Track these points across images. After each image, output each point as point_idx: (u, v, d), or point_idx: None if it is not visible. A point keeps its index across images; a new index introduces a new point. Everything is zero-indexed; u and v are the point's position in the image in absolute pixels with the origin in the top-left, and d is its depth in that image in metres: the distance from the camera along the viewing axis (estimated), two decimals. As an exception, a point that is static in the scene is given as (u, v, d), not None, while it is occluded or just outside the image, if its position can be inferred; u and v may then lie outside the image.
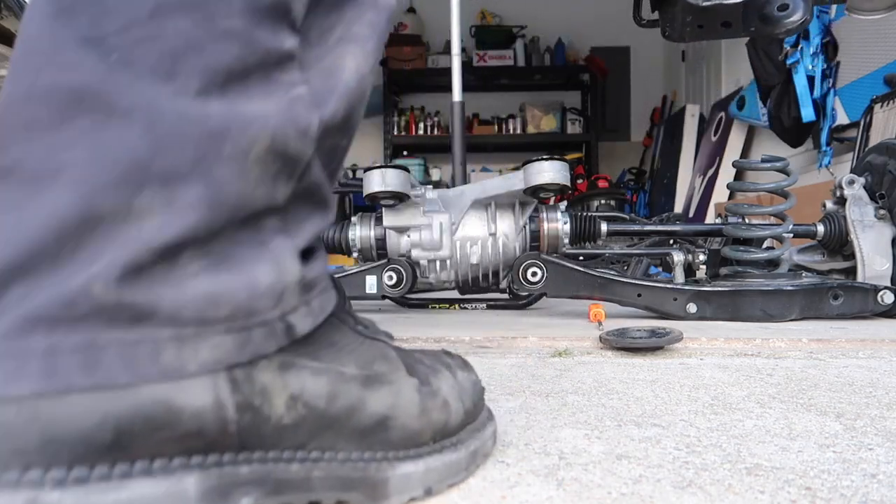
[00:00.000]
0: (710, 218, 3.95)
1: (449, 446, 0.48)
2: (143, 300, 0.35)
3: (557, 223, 1.68)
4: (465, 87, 2.34)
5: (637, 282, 1.53)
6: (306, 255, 0.43)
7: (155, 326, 0.35)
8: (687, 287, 1.51)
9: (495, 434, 0.56)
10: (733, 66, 4.43)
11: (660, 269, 2.28)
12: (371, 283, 1.66)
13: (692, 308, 1.49)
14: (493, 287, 1.72)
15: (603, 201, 4.66)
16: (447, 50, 4.60)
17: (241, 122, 0.37)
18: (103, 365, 0.34)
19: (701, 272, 1.62)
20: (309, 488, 0.41)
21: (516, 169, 1.64)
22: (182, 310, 0.36)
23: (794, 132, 3.43)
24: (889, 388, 0.81)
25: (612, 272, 1.60)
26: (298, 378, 0.41)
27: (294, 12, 0.41)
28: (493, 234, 1.64)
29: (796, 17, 1.65)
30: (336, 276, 1.74)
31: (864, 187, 1.68)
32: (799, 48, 3.26)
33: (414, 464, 0.45)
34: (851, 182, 1.68)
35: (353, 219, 1.71)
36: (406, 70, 5.61)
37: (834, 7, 3.21)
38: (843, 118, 3.18)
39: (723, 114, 4.32)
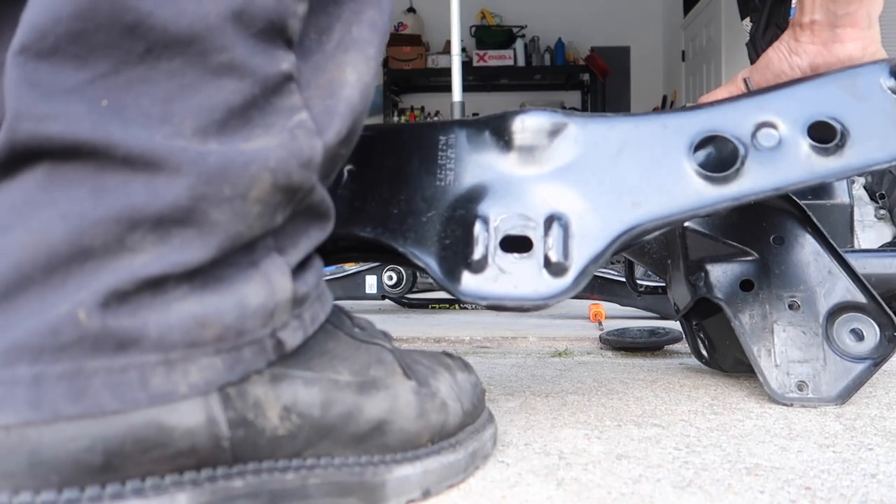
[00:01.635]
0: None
1: (447, 447, 0.48)
2: (129, 326, 0.34)
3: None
4: (466, 87, 2.34)
5: (637, 282, 1.53)
6: (300, 266, 0.42)
7: (142, 352, 0.35)
8: (687, 287, 1.50)
9: (495, 436, 0.55)
10: (733, 66, 4.43)
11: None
12: (371, 283, 1.66)
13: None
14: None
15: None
16: (447, 50, 4.60)
17: (240, 162, 0.37)
18: (90, 392, 0.34)
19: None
20: (305, 496, 0.41)
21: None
22: (169, 334, 0.35)
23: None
24: (889, 387, 0.81)
25: (612, 272, 1.60)
26: (291, 389, 0.40)
27: (290, 29, 0.39)
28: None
29: None
30: (336, 276, 1.73)
31: (864, 187, 1.69)
32: (799, 48, 3.25)
33: (412, 466, 0.45)
34: (851, 182, 1.68)
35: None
36: (406, 70, 5.61)
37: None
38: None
39: (723, 114, 4.31)
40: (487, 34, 5.73)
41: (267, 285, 0.39)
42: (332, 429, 0.42)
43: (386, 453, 0.44)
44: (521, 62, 5.71)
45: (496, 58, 5.65)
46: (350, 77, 0.43)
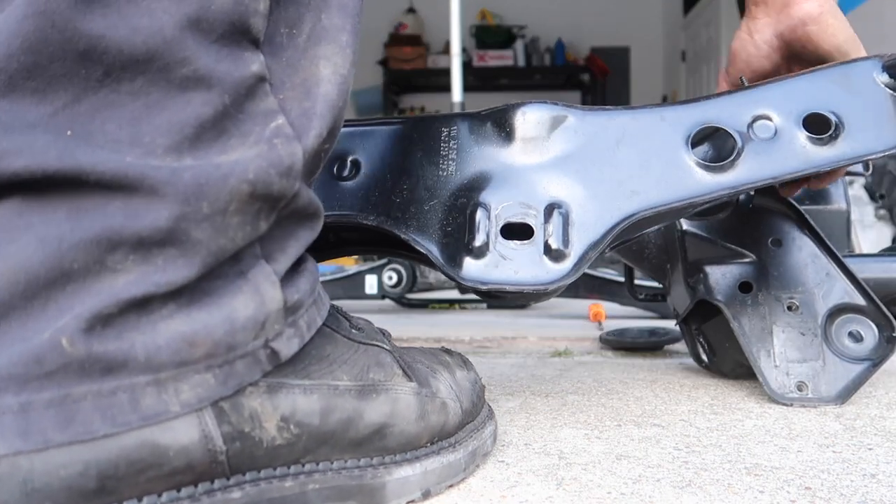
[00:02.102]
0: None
1: (447, 447, 0.48)
2: (115, 349, 0.34)
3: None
4: (466, 88, 2.34)
5: (638, 282, 1.53)
6: (292, 271, 0.41)
7: (130, 374, 0.34)
8: (687, 287, 1.50)
9: (495, 433, 0.55)
10: (733, 67, 4.43)
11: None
12: (371, 283, 1.66)
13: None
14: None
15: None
16: (447, 50, 4.60)
17: (216, 177, 0.35)
18: (80, 418, 0.33)
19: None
20: (305, 503, 0.40)
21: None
22: (157, 355, 0.35)
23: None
24: (889, 387, 0.81)
25: (612, 272, 1.60)
26: (289, 399, 0.39)
27: (254, 29, 0.37)
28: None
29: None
30: (336, 277, 1.74)
31: (864, 187, 1.69)
32: (799, 48, 3.25)
33: (411, 467, 0.45)
34: (851, 182, 1.68)
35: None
36: (406, 70, 5.61)
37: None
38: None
39: (723, 114, 4.32)
40: (487, 34, 5.73)
41: (256, 297, 0.38)
42: (332, 435, 0.41)
43: (385, 455, 0.44)
44: (521, 62, 5.71)
45: (496, 58, 5.65)
46: (325, 72, 0.41)
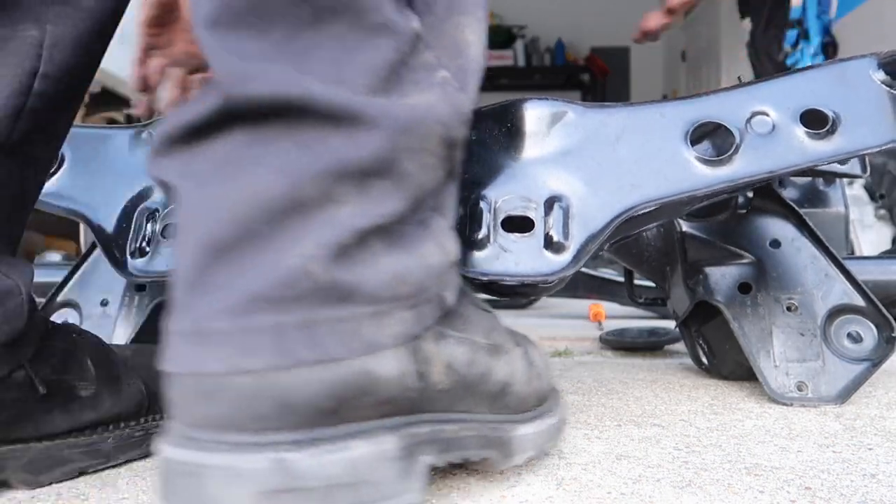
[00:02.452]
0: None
1: (546, 412, 0.51)
2: (351, 280, 0.37)
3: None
4: (466, 88, 2.34)
5: (638, 282, 1.54)
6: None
7: (357, 304, 0.37)
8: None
9: (566, 405, 0.57)
10: (733, 67, 4.43)
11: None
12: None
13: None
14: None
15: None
16: (447, 50, 4.60)
17: (419, 115, 0.39)
18: (322, 341, 0.36)
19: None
20: (463, 447, 0.44)
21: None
22: (378, 288, 0.38)
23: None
24: (889, 387, 0.81)
25: (612, 272, 1.60)
26: (448, 347, 0.43)
27: None
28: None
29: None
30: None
31: (864, 187, 1.69)
32: (799, 48, 3.26)
33: (527, 426, 0.48)
34: (850, 183, 1.68)
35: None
36: (406, 70, 5.60)
37: (834, 7, 3.21)
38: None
39: (723, 114, 4.31)
40: (487, 34, 5.72)
41: (439, 246, 0.42)
42: (473, 386, 0.44)
43: (510, 413, 0.47)
44: (521, 62, 5.71)
45: (496, 58, 5.65)
46: (470, 38, 0.44)
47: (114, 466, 0.54)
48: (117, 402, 0.53)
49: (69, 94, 0.50)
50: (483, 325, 0.47)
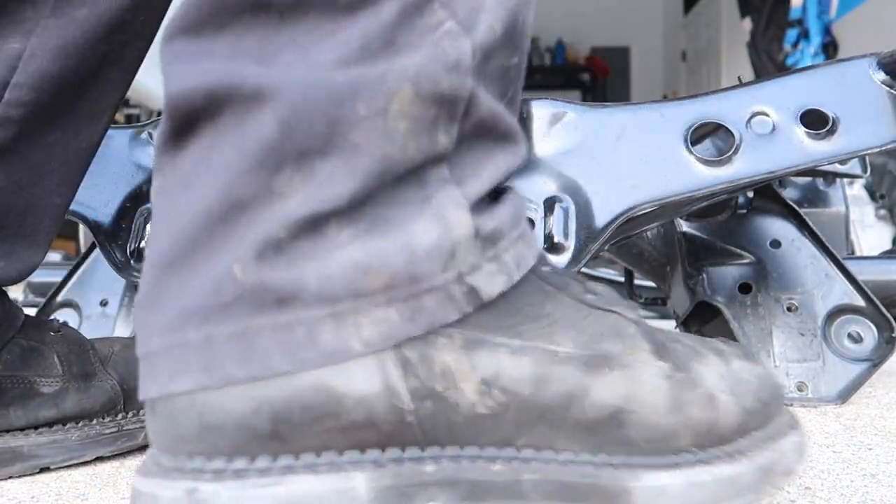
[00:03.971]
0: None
1: (722, 456, 0.36)
2: (286, 277, 0.32)
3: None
4: (466, 88, 2.34)
5: (638, 282, 1.54)
6: (488, 198, 0.36)
7: (305, 306, 0.32)
8: (687, 287, 1.51)
9: (802, 447, 0.41)
10: (733, 67, 4.44)
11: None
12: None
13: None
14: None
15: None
16: (447, 50, 4.60)
17: (372, 78, 0.32)
18: (259, 353, 0.32)
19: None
20: (518, 494, 0.34)
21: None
22: (329, 284, 0.32)
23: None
24: (889, 387, 0.81)
25: (612, 272, 1.60)
26: (491, 358, 0.34)
27: None
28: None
29: None
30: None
31: (865, 187, 1.69)
32: (799, 48, 3.26)
33: (669, 474, 0.35)
34: (851, 183, 1.68)
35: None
36: (406, 70, 5.61)
37: (834, 7, 3.21)
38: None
39: (723, 114, 4.32)
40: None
41: (439, 221, 0.34)
42: (548, 411, 0.35)
43: (632, 454, 0.36)
44: (522, 62, 5.71)
45: (496, 58, 5.65)
46: None
47: (84, 464, 0.54)
48: (84, 398, 0.54)
49: (57, 100, 0.49)
50: (586, 330, 0.37)
